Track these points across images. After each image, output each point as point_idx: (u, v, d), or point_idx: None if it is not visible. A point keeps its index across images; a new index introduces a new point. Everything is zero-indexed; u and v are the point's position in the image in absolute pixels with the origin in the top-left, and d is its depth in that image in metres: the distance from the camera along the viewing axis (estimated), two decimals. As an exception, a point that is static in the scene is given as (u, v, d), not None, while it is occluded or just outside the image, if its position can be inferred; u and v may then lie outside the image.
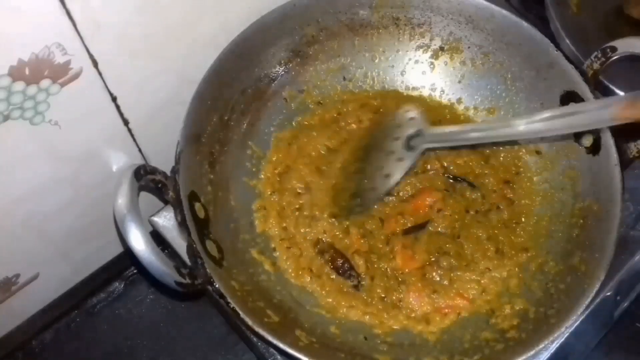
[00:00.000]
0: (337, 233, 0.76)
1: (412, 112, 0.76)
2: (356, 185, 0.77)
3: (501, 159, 0.82)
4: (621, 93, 0.81)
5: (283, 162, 0.81)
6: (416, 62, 0.87)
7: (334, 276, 0.74)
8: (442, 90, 0.87)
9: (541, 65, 0.78)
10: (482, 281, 0.74)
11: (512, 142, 0.82)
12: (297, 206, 0.78)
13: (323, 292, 0.74)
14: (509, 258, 0.75)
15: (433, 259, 0.74)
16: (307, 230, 0.76)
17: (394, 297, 0.73)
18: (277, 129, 0.83)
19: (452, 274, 0.74)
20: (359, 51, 0.86)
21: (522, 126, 0.64)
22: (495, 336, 0.69)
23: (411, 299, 0.73)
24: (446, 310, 0.73)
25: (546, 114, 0.62)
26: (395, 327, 0.72)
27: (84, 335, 0.86)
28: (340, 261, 0.74)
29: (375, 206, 0.77)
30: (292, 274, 0.75)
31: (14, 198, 0.66)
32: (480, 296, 0.73)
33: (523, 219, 0.78)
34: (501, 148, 0.83)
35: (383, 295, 0.73)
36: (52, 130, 0.63)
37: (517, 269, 0.74)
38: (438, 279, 0.74)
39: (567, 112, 0.62)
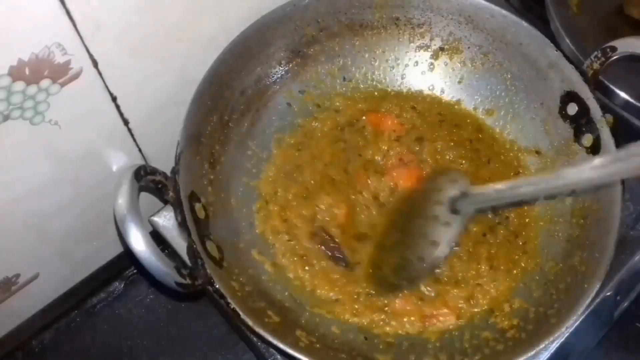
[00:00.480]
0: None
1: (453, 175, 0.72)
2: (398, 257, 0.72)
3: (502, 158, 0.82)
4: (621, 93, 0.81)
5: (288, 164, 0.81)
6: (416, 62, 0.87)
7: (324, 263, 0.74)
8: (442, 91, 0.87)
9: (541, 65, 0.78)
10: (471, 295, 0.73)
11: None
12: (298, 204, 0.78)
13: (315, 282, 0.74)
14: (502, 272, 0.75)
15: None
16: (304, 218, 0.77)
17: (379, 303, 0.73)
18: (278, 130, 0.82)
19: (439, 287, 0.73)
20: (359, 52, 0.86)
21: (577, 175, 0.58)
22: (495, 336, 0.69)
23: (396, 304, 0.73)
24: (432, 320, 0.72)
25: (601, 161, 0.56)
26: (388, 329, 0.72)
27: (84, 335, 0.86)
28: (332, 245, 0.74)
29: (424, 280, 0.72)
30: (290, 269, 0.74)
31: (14, 198, 0.66)
32: (469, 306, 0.73)
33: (526, 230, 0.77)
34: (502, 152, 0.83)
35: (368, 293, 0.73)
36: (52, 130, 0.63)
37: (511, 278, 0.74)
38: (425, 291, 0.73)
39: (624, 157, 0.55)
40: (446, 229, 0.68)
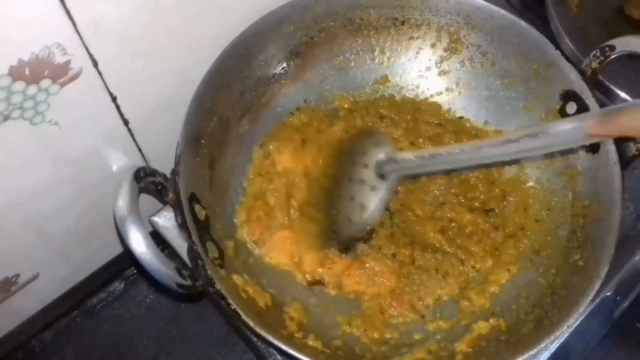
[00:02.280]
0: None
1: (378, 137, 0.73)
2: (329, 218, 0.74)
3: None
4: (621, 93, 0.81)
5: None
6: (415, 63, 0.87)
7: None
8: (440, 91, 0.87)
9: (540, 65, 0.78)
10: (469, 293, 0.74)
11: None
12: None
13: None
14: (501, 271, 0.75)
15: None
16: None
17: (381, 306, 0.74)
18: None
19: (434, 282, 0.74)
20: (358, 52, 0.86)
21: (496, 148, 0.61)
22: (495, 334, 0.69)
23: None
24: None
25: (520, 134, 0.59)
26: (392, 329, 0.72)
27: (84, 335, 0.86)
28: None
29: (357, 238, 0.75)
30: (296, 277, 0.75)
31: (14, 198, 0.66)
32: (469, 305, 0.73)
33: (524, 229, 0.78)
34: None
35: None
36: (52, 131, 0.63)
37: (511, 276, 0.75)
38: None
39: (539, 132, 0.58)
40: (374, 193, 0.69)
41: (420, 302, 0.73)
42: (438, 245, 0.76)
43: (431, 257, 0.75)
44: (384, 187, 0.69)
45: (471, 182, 0.81)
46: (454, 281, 0.74)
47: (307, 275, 0.74)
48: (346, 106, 0.85)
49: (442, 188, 0.80)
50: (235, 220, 0.76)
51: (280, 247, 0.74)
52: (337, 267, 0.74)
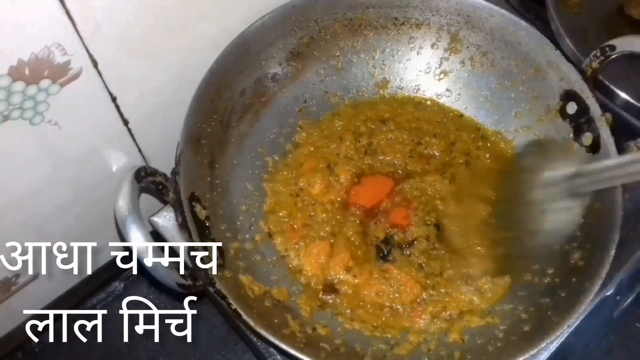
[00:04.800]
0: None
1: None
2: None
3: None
4: (621, 93, 0.81)
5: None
6: (415, 62, 0.87)
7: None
8: (441, 92, 0.87)
9: (540, 64, 0.78)
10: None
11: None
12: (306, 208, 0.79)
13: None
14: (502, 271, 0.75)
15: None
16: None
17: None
18: (278, 130, 0.83)
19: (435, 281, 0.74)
20: (358, 52, 0.86)
21: None
22: (496, 334, 0.69)
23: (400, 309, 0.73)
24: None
25: None
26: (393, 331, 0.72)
27: (83, 335, 0.86)
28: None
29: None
30: (307, 269, 0.75)
31: (14, 198, 0.66)
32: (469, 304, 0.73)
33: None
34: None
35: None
36: (52, 131, 0.63)
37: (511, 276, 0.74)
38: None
39: None
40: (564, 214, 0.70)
41: (444, 313, 0.72)
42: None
43: (456, 265, 0.75)
44: (577, 204, 0.70)
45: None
46: (476, 287, 0.74)
47: (326, 278, 0.74)
48: (345, 107, 0.86)
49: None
50: (261, 224, 0.77)
51: (315, 257, 0.75)
52: (363, 272, 0.74)
